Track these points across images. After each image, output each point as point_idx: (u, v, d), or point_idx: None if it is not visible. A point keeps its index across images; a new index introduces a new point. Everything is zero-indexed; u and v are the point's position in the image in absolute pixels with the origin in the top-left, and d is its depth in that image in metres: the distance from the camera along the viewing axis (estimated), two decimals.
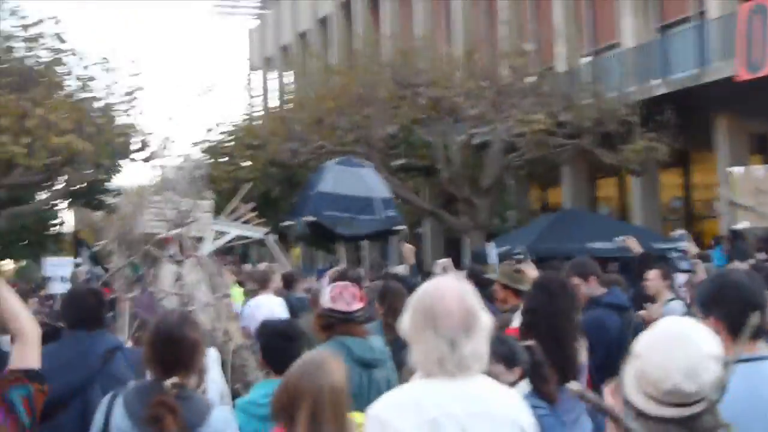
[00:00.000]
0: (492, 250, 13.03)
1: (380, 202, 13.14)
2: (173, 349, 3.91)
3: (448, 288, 3.13)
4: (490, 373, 4.15)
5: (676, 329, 2.83)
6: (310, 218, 13.31)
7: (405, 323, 3.14)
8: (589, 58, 25.45)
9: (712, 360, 2.71)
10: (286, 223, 14.41)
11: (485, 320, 3.11)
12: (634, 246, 10.01)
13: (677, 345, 2.74)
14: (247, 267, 18.04)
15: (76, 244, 19.17)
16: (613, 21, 24.60)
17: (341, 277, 8.71)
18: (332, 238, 15.43)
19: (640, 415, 2.84)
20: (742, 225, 9.94)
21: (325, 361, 3.71)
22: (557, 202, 26.96)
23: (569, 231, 17.22)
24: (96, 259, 17.52)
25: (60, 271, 16.76)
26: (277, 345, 4.97)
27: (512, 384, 4.40)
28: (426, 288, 3.17)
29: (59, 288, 15.80)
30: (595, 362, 6.02)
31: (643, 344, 2.84)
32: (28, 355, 3.84)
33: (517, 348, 4.60)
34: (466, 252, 25.65)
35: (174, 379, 3.82)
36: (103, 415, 4.01)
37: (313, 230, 13.87)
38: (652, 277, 8.08)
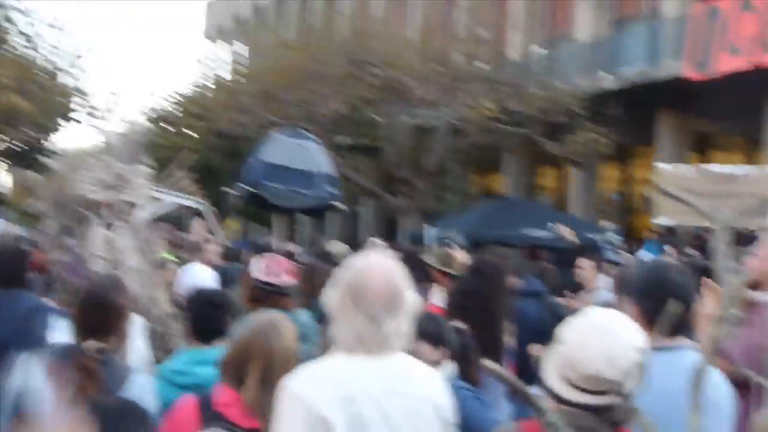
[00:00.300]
0: (430, 233, 13.05)
1: (322, 177, 13.02)
2: (100, 312, 3.88)
3: (375, 265, 3.09)
4: (414, 351, 4.15)
5: (601, 318, 2.91)
6: (249, 188, 13.15)
7: (329, 298, 3.11)
8: (542, 49, 25.57)
9: (633, 350, 2.79)
10: (231, 191, 14.05)
11: (410, 299, 3.08)
12: (567, 235, 10.11)
13: (601, 333, 2.82)
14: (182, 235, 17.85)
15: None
16: (568, 13, 24.72)
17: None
18: (269, 209, 15.29)
19: (556, 400, 2.87)
20: (663, 221, 10.07)
21: (278, 323, 3.68)
22: (498, 189, 27.13)
23: (507, 217, 17.32)
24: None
25: None
26: (205, 314, 4.90)
27: (436, 363, 4.40)
28: (352, 264, 3.13)
29: None
30: (518, 349, 6.07)
31: (568, 331, 2.88)
32: None
33: (445, 328, 4.59)
34: (404, 234, 25.73)
35: (96, 343, 3.77)
36: (22, 376, 3.94)
37: (251, 200, 13.73)
38: (584, 266, 8.17)
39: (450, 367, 4.47)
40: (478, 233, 15.56)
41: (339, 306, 3.05)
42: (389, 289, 3.02)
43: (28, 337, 4.90)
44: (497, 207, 19.45)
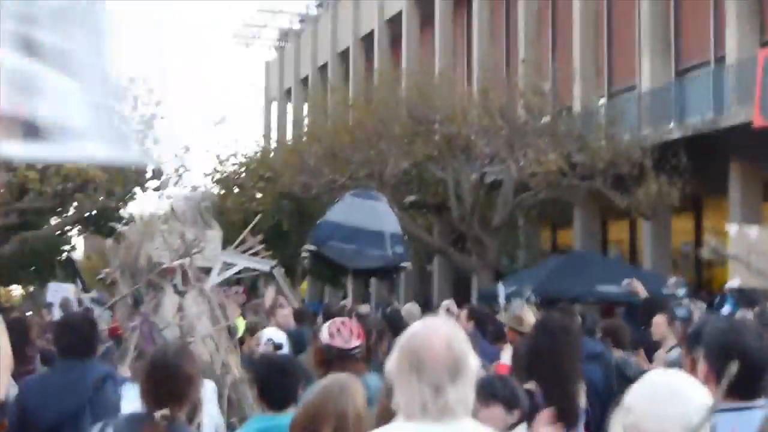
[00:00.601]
0: (501, 290, 12.94)
1: (390, 237, 13.00)
2: (167, 381, 3.89)
3: (436, 331, 3.02)
4: (490, 415, 4.11)
5: (671, 383, 2.84)
6: (312, 248, 13.16)
7: (390, 364, 3.08)
8: (605, 99, 25.46)
9: (704, 413, 2.69)
10: (304, 253, 14.00)
11: (473, 365, 3.01)
12: (640, 290, 9.95)
13: (673, 400, 2.76)
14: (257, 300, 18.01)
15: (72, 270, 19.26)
16: (631, 63, 24.61)
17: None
18: (338, 271, 15.29)
19: None
20: (736, 284, 9.87)
21: (349, 386, 3.68)
22: (568, 244, 26.87)
23: (578, 273, 17.12)
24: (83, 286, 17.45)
25: (60, 297, 16.75)
26: (275, 380, 4.90)
27: (512, 426, 4.35)
28: (413, 330, 3.07)
29: (56, 315, 15.79)
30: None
31: (638, 398, 2.81)
32: None
33: (518, 390, 4.54)
34: (475, 291, 25.56)
35: (165, 411, 3.80)
36: None
37: (319, 261, 13.72)
38: (658, 322, 8.02)
39: (523, 430, 4.42)
40: (549, 290, 15.41)
41: (399, 373, 3.00)
42: (451, 356, 2.96)
43: (100, 407, 4.94)
44: (568, 262, 19.24)
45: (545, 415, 4.74)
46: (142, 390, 3.98)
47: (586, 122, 23.82)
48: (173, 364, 3.92)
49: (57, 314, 15.78)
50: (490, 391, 4.35)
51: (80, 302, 17.04)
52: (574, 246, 25.54)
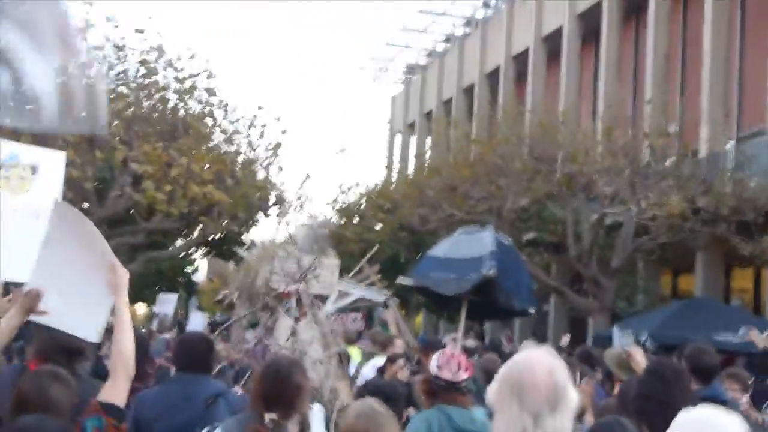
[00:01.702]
0: (616, 334, 12.76)
1: (489, 256, 12.86)
2: (278, 386, 4.08)
3: (538, 361, 3.09)
4: None
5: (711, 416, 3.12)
6: (408, 281, 13.16)
7: (491, 392, 3.14)
8: (733, 143, 24.88)
9: None
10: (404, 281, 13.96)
11: (572, 397, 3.07)
12: (758, 339, 9.71)
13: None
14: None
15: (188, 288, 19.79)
16: (761, 106, 24.03)
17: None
18: (440, 304, 15.15)
19: None
20: None
21: (383, 412, 3.86)
22: (689, 290, 26.22)
23: (697, 320, 16.73)
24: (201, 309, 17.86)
25: (167, 308, 17.10)
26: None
27: None
28: (516, 359, 3.16)
29: (159, 324, 16.18)
30: None
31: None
32: (115, 391, 4.08)
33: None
34: (590, 333, 25.19)
35: (273, 415, 3.96)
36: None
37: (421, 293, 13.68)
38: None
39: None
40: (666, 335, 15.12)
41: (500, 401, 3.06)
42: (551, 386, 3.02)
43: (211, 423, 5.08)
44: (687, 308, 18.79)
45: None
46: (252, 395, 4.16)
47: (712, 166, 23.34)
48: (285, 371, 4.10)
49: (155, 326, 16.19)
50: None
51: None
52: (696, 292, 24.95)
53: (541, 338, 26.08)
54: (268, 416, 3.95)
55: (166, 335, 14.49)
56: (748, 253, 20.47)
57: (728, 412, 3.03)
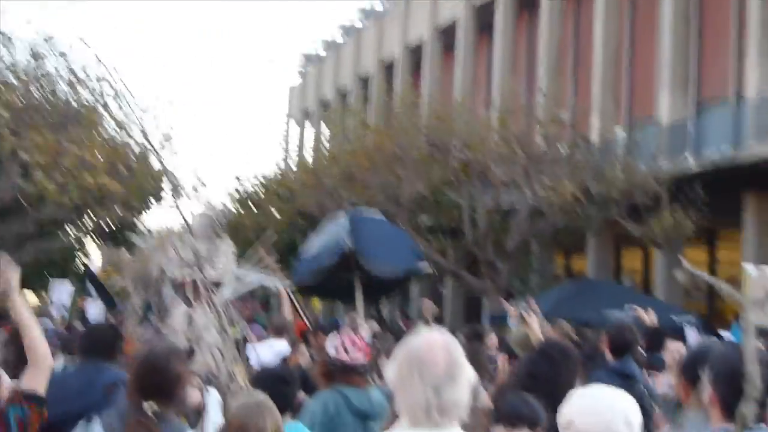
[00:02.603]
0: (512, 308, 12.99)
1: (344, 236, 13.24)
2: (155, 376, 4.00)
3: (434, 339, 3.24)
4: None
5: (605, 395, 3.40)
6: (293, 288, 13.56)
7: (391, 371, 3.22)
8: (623, 131, 25.52)
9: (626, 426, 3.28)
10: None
11: (468, 371, 3.21)
12: (644, 317, 10.00)
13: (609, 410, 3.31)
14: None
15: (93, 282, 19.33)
16: (650, 96, 24.68)
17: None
18: (333, 292, 15.58)
19: None
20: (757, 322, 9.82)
21: (267, 404, 3.88)
22: (581, 270, 26.90)
23: (589, 298, 17.17)
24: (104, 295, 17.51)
25: (64, 297, 16.73)
26: (273, 389, 4.99)
27: None
28: (412, 339, 3.28)
29: (58, 312, 15.83)
30: None
31: (574, 410, 3.43)
32: (35, 379, 4.04)
33: (538, 408, 4.62)
34: (486, 313, 25.62)
35: (151, 403, 3.91)
36: None
37: (310, 292, 14.06)
38: (672, 348, 8.11)
39: None
40: (560, 313, 15.42)
41: (400, 378, 3.18)
42: (449, 361, 3.16)
43: (111, 410, 5.01)
44: (578, 288, 19.29)
45: None
46: (129, 385, 4.10)
47: (604, 153, 23.90)
48: (162, 361, 4.04)
49: (54, 312, 15.82)
50: (515, 413, 4.49)
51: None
52: (588, 273, 25.59)
53: (438, 319, 26.38)
54: (147, 405, 3.90)
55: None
56: (639, 234, 21.06)
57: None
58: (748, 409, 3.35)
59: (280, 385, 5.11)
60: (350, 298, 13.50)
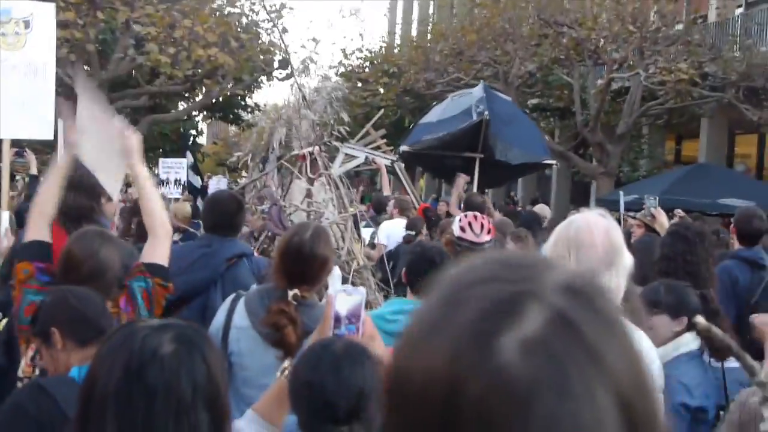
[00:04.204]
0: (621, 198, 12.83)
1: (477, 102, 12.89)
2: (302, 263, 3.87)
3: (595, 222, 3.09)
4: (656, 323, 4.17)
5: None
6: (406, 148, 13.31)
7: (548, 249, 3.15)
8: (743, 9, 24.50)
9: None
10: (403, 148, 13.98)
11: (627, 259, 3.07)
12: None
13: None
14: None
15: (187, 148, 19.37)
16: None
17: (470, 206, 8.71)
18: (439, 170, 15.32)
19: None
20: None
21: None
22: (693, 156, 26.28)
23: (702, 185, 16.77)
24: (196, 170, 17.39)
25: (174, 174, 16.60)
26: (422, 268, 4.77)
27: (678, 334, 4.38)
28: (573, 218, 3.17)
29: (173, 192, 15.84)
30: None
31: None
32: (156, 251, 4.05)
33: (686, 296, 4.51)
34: (594, 197, 25.34)
35: (296, 291, 3.86)
36: (225, 313, 4.05)
37: (414, 160, 13.82)
38: None
39: (690, 340, 4.40)
40: (671, 200, 15.16)
41: (555, 256, 3.04)
42: (608, 246, 3.03)
43: (232, 282, 5.11)
44: (692, 174, 18.83)
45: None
46: (275, 270, 3.98)
47: (721, 32, 23.04)
48: (309, 247, 3.91)
49: (170, 192, 15.83)
50: (654, 299, 4.41)
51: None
52: (699, 158, 24.99)
53: (544, 202, 26.25)
54: (292, 293, 3.84)
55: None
56: (756, 119, 20.41)
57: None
58: None
59: (428, 265, 5.01)
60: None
